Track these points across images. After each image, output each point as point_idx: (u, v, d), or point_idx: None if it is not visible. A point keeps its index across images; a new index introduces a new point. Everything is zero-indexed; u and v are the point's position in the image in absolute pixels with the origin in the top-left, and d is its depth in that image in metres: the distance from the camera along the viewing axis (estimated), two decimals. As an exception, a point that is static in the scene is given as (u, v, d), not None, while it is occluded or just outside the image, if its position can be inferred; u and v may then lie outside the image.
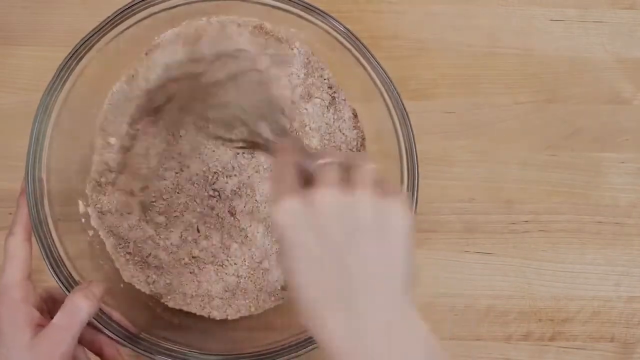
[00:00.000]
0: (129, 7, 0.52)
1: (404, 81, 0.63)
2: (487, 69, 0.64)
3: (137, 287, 0.56)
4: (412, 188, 0.52)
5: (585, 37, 0.65)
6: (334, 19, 0.53)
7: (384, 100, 0.53)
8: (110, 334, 0.49)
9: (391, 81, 0.53)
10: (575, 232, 0.63)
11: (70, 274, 0.49)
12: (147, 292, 0.56)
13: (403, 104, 0.53)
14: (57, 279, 0.49)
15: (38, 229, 0.49)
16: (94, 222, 0.56)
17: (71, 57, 0.51)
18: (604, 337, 0.62)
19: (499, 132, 0.64)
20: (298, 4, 0.53)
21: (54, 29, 0.63)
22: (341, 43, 0.54)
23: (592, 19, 0.65)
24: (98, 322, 0.49)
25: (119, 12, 0.52)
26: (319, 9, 0.53)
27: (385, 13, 0.64)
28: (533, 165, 0.64)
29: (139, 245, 0.56)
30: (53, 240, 0.50)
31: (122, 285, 0.56)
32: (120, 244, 0.56)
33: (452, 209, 0.63)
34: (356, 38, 0.53)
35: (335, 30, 0.53)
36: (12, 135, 0.59)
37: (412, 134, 0.52)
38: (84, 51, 0.51)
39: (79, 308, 0.45)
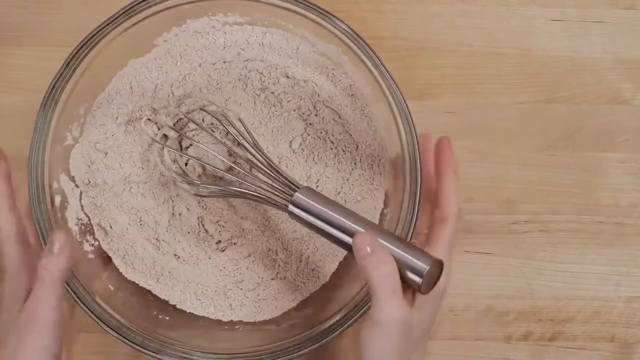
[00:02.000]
0: (131, 7, 0.52)
1: (404, 81, 0.62)
2: (487, 69, 0.64)
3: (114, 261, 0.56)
4: (415, 189, 0.52)
5: (586, 37, 0.65)
6: (338, 19, 0.53)
7: (388, 101, 0.53)
8: (113, 333, 0.50)
9: (395, 83, 0.53)
10: (575, 232, 0.63)
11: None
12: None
13: (407, 105, 0.52)
14: None
15: (40, 222, 0.49)
16: (83, 198, 0.56)
17: (74, 55, 0.51)
18: (604, 337, 0.62)
19: (499, 132, 0.64)
20: (301, 3, 0.52)
21: (54, 28, 0.63)
22: (345, 44, 0.53)
23: (592, 19, 0.65)
24: (103, 322, 0.49)
25: (122, 11, 0.52)
26: (322, 9, 0.53)
27: (385, 13, 0.64)
28: (533, 165, 0.64)
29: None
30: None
31: (124, 282, 0.56)
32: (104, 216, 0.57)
33: (452, 209, 0.62)
34: (360, 38, 0.53)
35: (340, 30, 0.53)
36: (12, 135, 0.59)
37: (416, 135, 0.52)
38: (86, 50, 0.51)
39: (48, 272, 0.45)
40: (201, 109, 0.56)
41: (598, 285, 0.63)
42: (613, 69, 0.65)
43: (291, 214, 0.50)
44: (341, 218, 0.49)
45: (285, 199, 0.51)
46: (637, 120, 0.65)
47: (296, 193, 0.50)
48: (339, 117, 0.57)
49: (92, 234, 0.56)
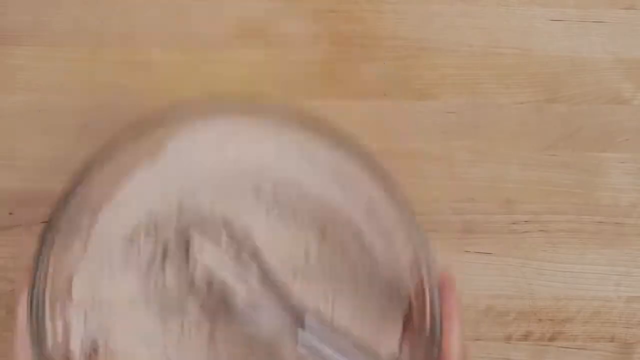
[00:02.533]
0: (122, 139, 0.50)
1: (405, 81, 0.63)
2: (487, 69, 0.64)
3: None
4: (434, 331, 0.47)
5: (586, 37, 0.65)
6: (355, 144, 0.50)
7: (408, 233, 0.50)
8: None
9: (413, 215, 0.50)
10: (575, 232, 0.63)
11: None
12: None
13: (426, 237, 0.50)
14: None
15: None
16: (87, 320, 0.54)
17: (68, 194, 0.49)
18: (604, 337, 0.62)
19: (499, 132, 0.64)
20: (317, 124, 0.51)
21: (54, 29, 0.63)
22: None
23: (592, 19, 0.65)
24: None
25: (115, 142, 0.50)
26: (339, 132, 0.51)
27: (385, 13, 0.64)
28: (533, 165, 0.64)
29: None
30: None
31: None
32: None
33: (452, 209, 0.63)
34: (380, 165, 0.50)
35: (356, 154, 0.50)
36: (12, 135, 0.59)
37: (434, 271, 0.49)
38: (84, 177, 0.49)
39: None
40: (199, 225, 0.54)
41: (598, 285, 0.63)
42: (613, 68, 0.65)
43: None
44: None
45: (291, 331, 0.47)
46: (637, 120, 0.65)
47: (306, 322, 0.47)
48: (358, 234, 0.54)
49: (97, 355, 0.53)
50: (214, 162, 0.55)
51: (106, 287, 0.54)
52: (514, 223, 0.63)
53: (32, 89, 0.60)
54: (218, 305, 0.53)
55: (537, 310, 0.62)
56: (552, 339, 0.62)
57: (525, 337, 0.62)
